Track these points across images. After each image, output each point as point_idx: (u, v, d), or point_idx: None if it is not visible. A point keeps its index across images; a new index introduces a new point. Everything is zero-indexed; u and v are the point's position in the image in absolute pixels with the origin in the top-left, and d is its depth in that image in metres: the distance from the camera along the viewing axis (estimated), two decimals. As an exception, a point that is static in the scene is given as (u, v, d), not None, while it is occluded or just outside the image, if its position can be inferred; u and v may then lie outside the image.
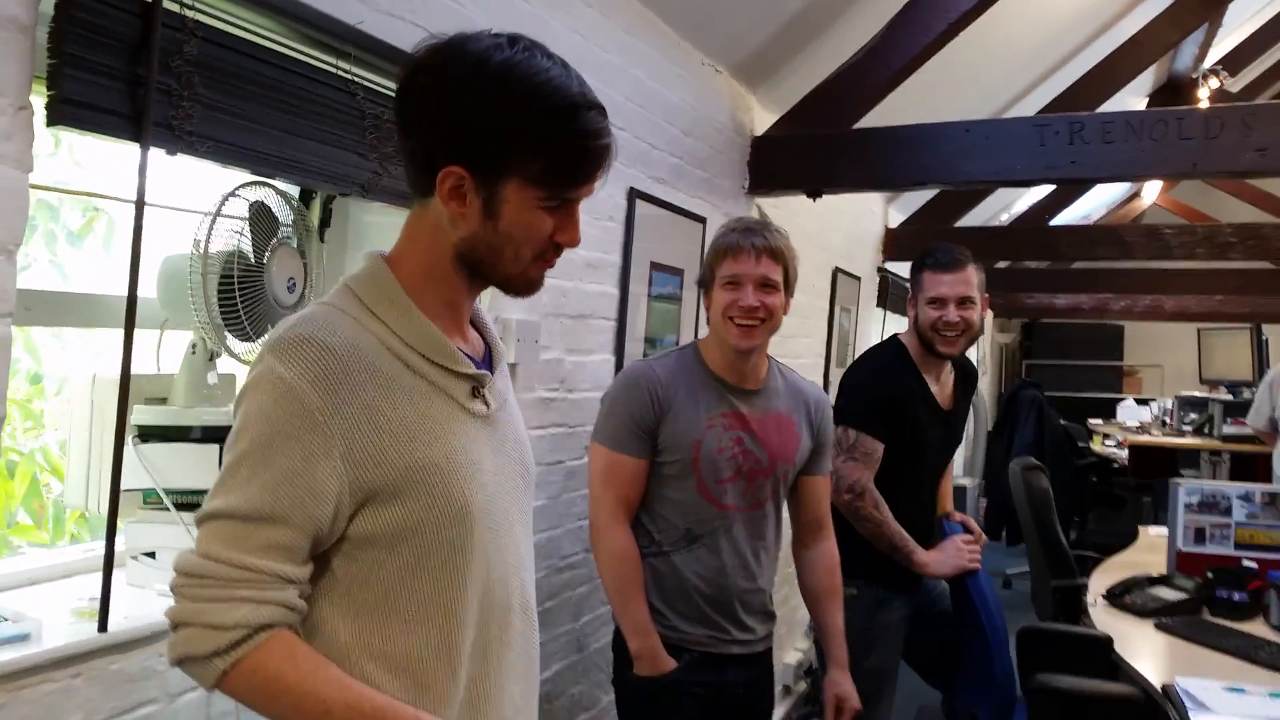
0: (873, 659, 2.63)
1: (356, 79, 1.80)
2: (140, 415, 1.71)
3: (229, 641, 1.00)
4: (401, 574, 1.10)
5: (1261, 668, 2.49)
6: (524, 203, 1.11)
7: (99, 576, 1.46)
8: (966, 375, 2.96)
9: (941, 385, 2.82)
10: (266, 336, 1.10)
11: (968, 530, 2.86)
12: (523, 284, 1.19)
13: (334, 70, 1.77)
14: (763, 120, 3.88)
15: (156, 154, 1.49)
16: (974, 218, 6.76)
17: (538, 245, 1.15)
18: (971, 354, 9.69)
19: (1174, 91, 7.14)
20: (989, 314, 10.45)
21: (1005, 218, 8.16)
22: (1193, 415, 6.60)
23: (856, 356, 4.13)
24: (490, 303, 2.25)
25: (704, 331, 3.37)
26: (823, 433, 2.28)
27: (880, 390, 2.73)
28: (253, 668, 1.02)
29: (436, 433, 1.11)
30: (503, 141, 1.09)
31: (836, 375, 5.08)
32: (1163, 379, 11.11)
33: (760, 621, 2.23)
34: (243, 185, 1.69)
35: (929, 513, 2.86)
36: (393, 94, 1.86)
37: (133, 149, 1.45)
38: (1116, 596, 3.09)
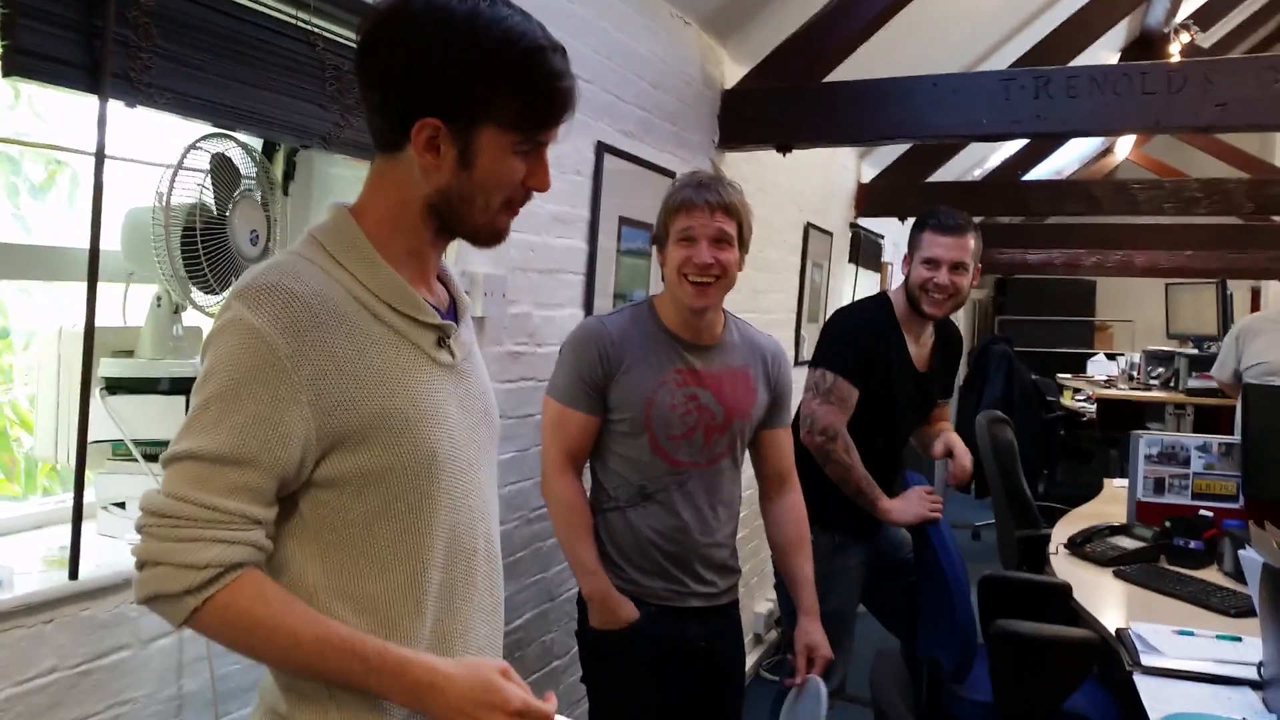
0: (830, 603, 2.65)
1: (316, 30, 1.80)
2: (107, 368, 1.72)
3: (201, 580, 1.03)
4: (369, 517, 1.13)
5: (1213, 612, 2.57)
6: (498, 149, 1.13)
7: (68, 527, 1.48)
8: (949, 342, 3.00)
9: (920, 346, 2.87)
10: (234, 284, 1.11)
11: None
12: (490, 234, 1.21)
13: (293, 21, 1.76)
14: (733, 73, 3.87)
15: (117, 106, 1.49)
16: (947, 173, 6.77)
17: (509, 192, 1.17)
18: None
19: (1146, 46, 7.14)
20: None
21: (978, 173, 8.18)
22: (1159, 369, 6.69)
23: (830, 312, 4.17)
24: (456, 257, 2.26)
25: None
26: (779, 385, 2.29)
27: (862, 339, 2.78)
28: (224, 604, 1.04)
29: (403, 380, 1.14)
30: (476, 89, 1.10)
31: (809, 331, 5.12)
32: (1134, 334, 11.21)
33: (721, 575, 2.24)
34: (204, 138, 1.69)
35: (892, 466, 2.90)
36: (353, 45, 1.87)
37: (92, 101, 1.45)
38: (1078, 546, 3.16)
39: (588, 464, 2.25)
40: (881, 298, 2.93)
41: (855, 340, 2.79)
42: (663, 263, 2.16)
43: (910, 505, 2.74)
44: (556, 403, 2.16)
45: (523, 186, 1.18)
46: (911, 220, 3.04)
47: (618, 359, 2.12)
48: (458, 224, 1.19)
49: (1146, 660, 2.16)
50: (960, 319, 11.34)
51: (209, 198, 1.70)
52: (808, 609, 2.32)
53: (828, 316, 3.52)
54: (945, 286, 2.71)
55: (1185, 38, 6.66)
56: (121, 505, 1.71)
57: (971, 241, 2.74)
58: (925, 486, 2.78)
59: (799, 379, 2.58)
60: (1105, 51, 7.03)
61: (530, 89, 1.12)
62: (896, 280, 3.49)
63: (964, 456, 2.94)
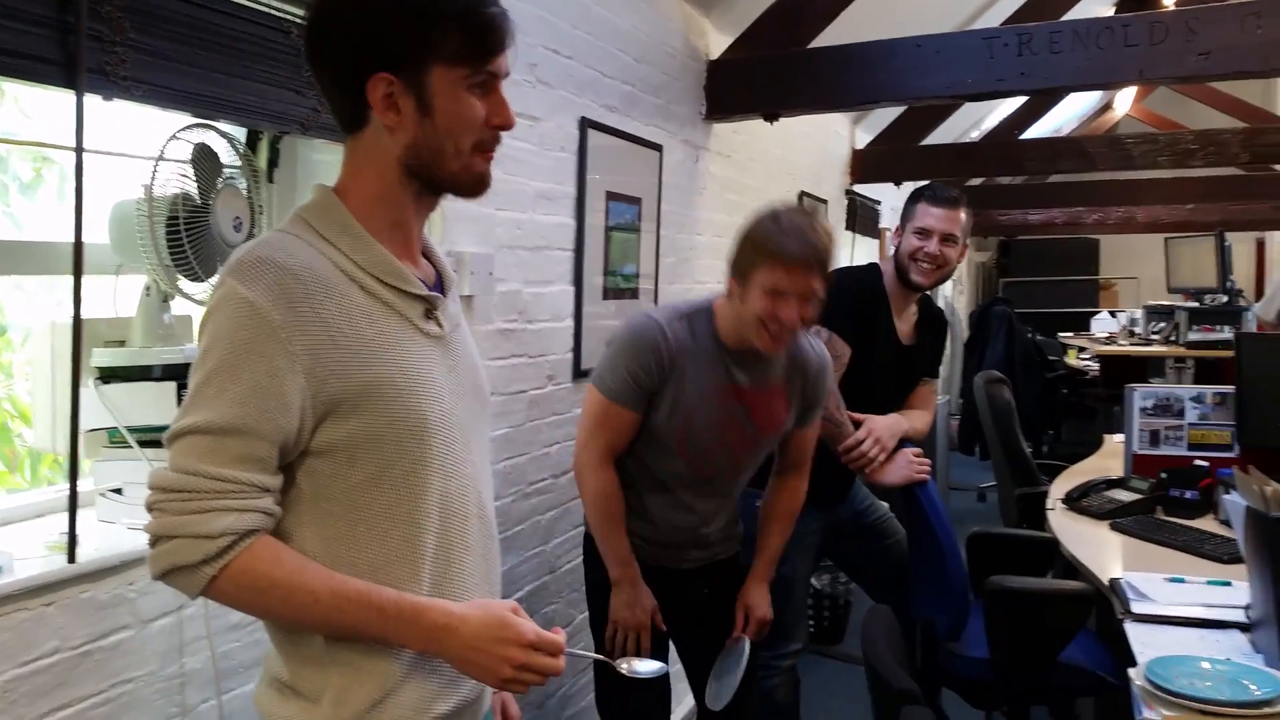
0: (783, 567, 2.70)
1: (289, 16, 1.82)
2: (101, 357, 1.76)
3: (217, 549, 1.06)
4: (364, 484, 1.16)
5: (1207, 560, 2.59)
6: (451, 88, 1.16)
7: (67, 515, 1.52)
8: (933, 321, 3.03)
9: (903, 320, 2.90)
10: (226, 263, 1.14)
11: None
12: (471, 179, 1.23)
13: (266, 9, 1.78)
14: (718, 43, 3.87)
15: (95, 101, 1.52)
16: (942, 135, 6.75)
17: (475, 133, 1.19)
18: (945, 285, 9.66)
19: (1139, -1, 7.09)
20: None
21: (975, 135, 8.15)
22: (1160, 324, 6.68)
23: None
24: (443, 236, 2.29)
25: (666, 262, 3.44)
26: (812, 396, 2.31)
27: (851, 299, 2.81)
28: (241, 569, 1.08)
29: (393, 349, 1.17)
30: (413, 30, 1.14)
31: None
32: (1139, 290, 11.18)
33: (722, 545, 2.36)
34: (184, 128, 1.71)
35: None
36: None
37: (69, 97, 1.48)
38: (1075, 500, 3.19)
39: None
40: (872, 267, 2.98)
41: (845, 298, 2.78)
42: (740, 295, 2.09)
43: (898, 468, 2.76)
44: (604, 398, 2.17)
45: (488, 127, 1.20)
46: (908, 185, 3.06)
47: (671, 369, 2.14)
48: (434, 176, 1.21)
49: (1137, 608, 2.19)
50: (964, 282, 11.34)
51: (191, 187, 1.73)
52: (757, 574, 2.40)
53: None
54: (935, 256, 2.76)
55: (1179, -13, 6.60)
56: (119, 491, 1.75)
57: (962, 216, 2.80)
58: (913, 449, 2.80)
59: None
60: (1098, 6, 6.98)
61: (465, 18, 1.15)
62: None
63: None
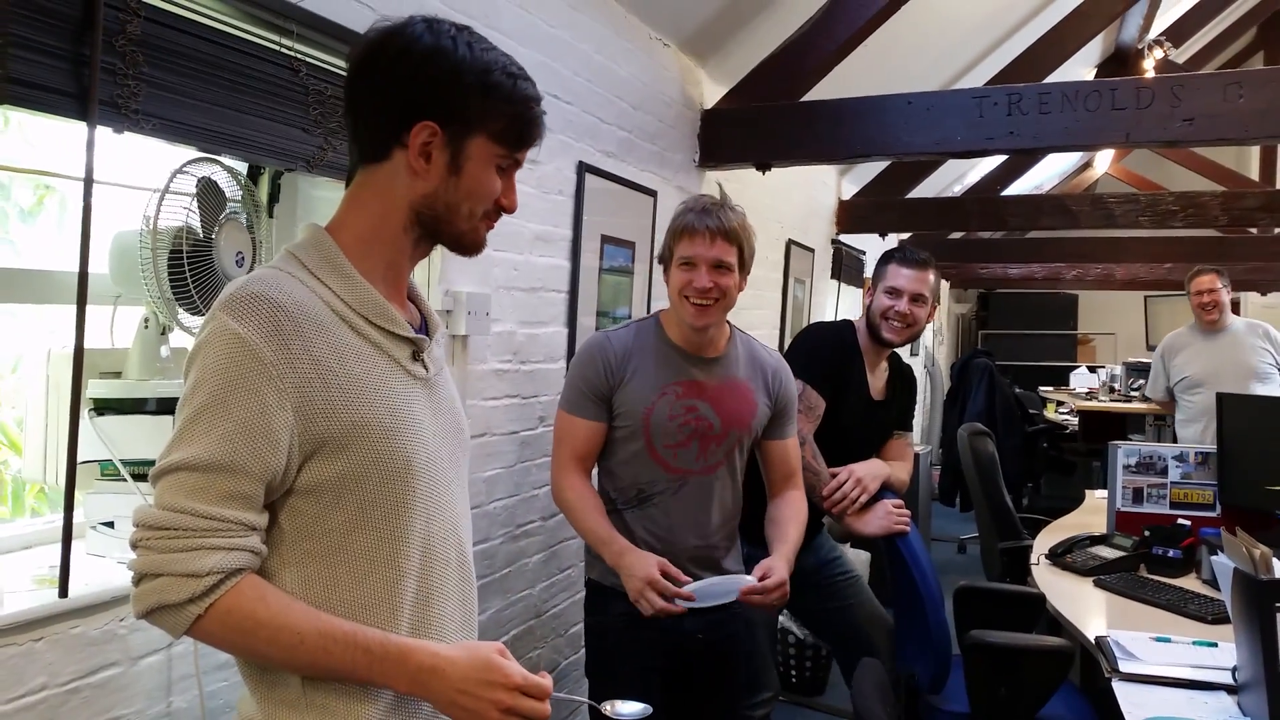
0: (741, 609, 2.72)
1: (299, 55, 1.83)
2: (96, 389, 1.74)
3: (204, 588, 1.04)
4: (346, 526, 1.15)
5: (1191, 619, 2.60)
6: (485, 160, 1.21)
7: (58, 547, 1.50)
8: (904, 377, 3.08)
9: (875, 375, 2.96)
10: (217, 298, 1.13)
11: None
12: (472, 241, 1.26)
13: (277, 47, 1.80)
14: (712, 93, 3.93)
15: (104, 132, 1.52)
16: (926, 189, 6.84)
17: (487, 204, 1.23)
18: (925, 336, 9.69)
19: (1120, 63, 7.25)
20: (944, 284, 10.60)
21: (958, 189, 8.26)
22: (1140, 381, 6.75)
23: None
24: (440, 275, 2.30)
25: (657, 304, 3.45)
26: (782, 398, 2.36)
27: (827, 352, 2.89)
28: (227, 609, 1.06)
29: (381, 390, 1.17)
30: (474, 98, 1.18)
31: (791, 346, 5.16)
32: (1116, 346, 11.32)
33: (717, 575, 2.28)
34: (190, 162, 1.72)
35: None
36: (336, 70, 1.91)
37: (80, 127, 1.48)
38: (1058, 556, 3.20)
39: (594, 470, 2.32)
40: (846, 323, 3.04)
41: (819, 351, 2.90)
42: (667, 281, 2.25)
43: (877, 518, 2.77)
44: (563, 412, 2.26)
45: (495, 203, 1.24)
46: (892, 236, 3.11)
47: (620, 369, 2.21)
48: (441, 230, 1.24)
49: (1125, 667, 2.19)
50: (944, 333, 11.43)
51: (195, 221, 1.73)
52: (779, 553, 2.27)
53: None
54: (905, 315, 2.83)
55: (1159, 54, 6.76)
56: (110, 524, 1.73)
57: (931, 277, 2.89)
58: (893, 500, 2.81)
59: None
60: (1081, 68, 7.13)
61: (516, 107, 1.21)
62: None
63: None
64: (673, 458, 2.22)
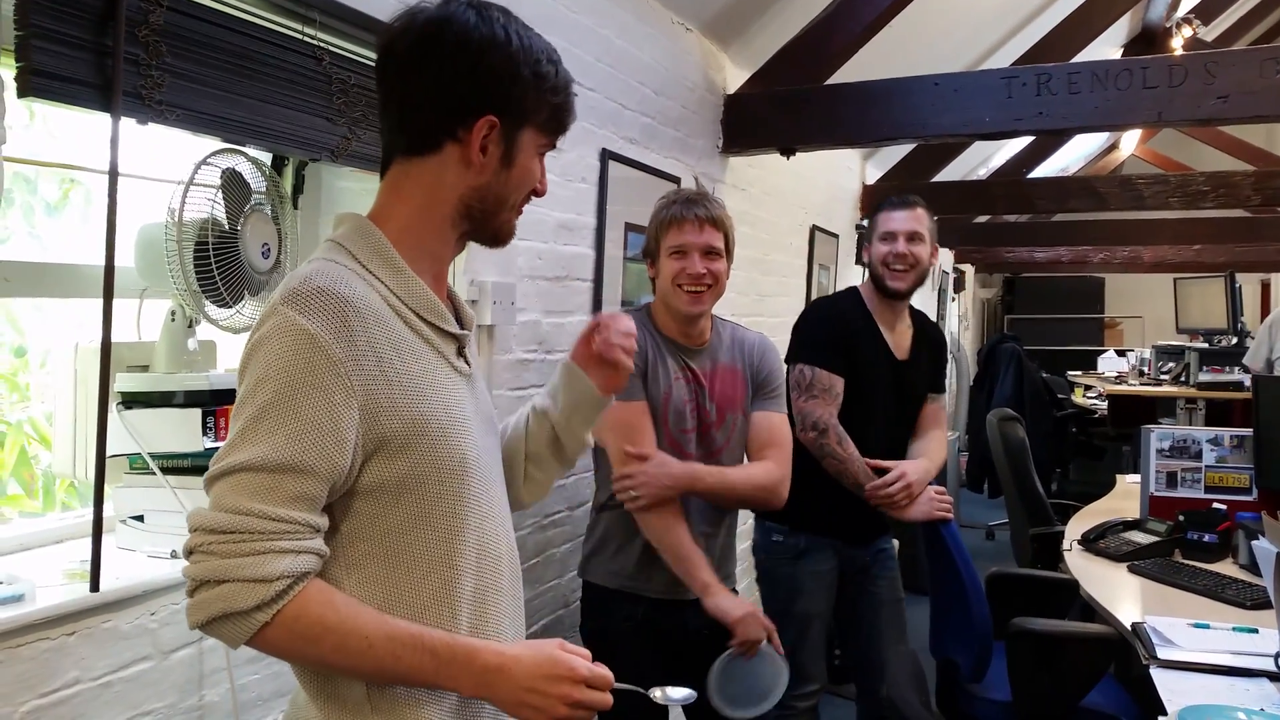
0: (799, 605, 2.73)
1: (323, 44, 1.82)
2: (123, 382, 1.74)
3: (274, 593, 1.01)
4: (403, 526, 1.13)
5: (1229, 605, 2.56)
6: (531, 150, 1.22)
7: (89, 541, 1.50)
8: (929, 336, 2.98)
9: (897, 334, 2.86)
10: (277, 291, 1.09)
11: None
12: (509, 233, 1.27)
13: (300, 37, 1.79)
14: (735, 78, 3.89)
15: (128, 124, 1.51)
16: (951, 172, 6.78)
17: (526, 193, 1.24)
18: (953, 310, 9.58)
19: (1148, 42, 7.15)
20: (969, 269, 10.53)
21: (983, 172, 8.18)
22: (1170, 364, 6.67)
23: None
24: (465, 265, 2.28)
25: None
26: (760, 371, 2.37)
27: (831, 326, 2.82)
28: (295, 615, 1.03)
29: (436, 387, 1.15)
30: (532, 90, 1.18)
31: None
32: (1144, 330, 11.19)
33: (718, 566, 2.29)
34: (214, 153, 1.71)
35: (879, 455, 2.77)
36: (360, 59, 1.90)
37: (104, 119, 1.47)
38: (1091, 542, 3.16)
39: (594, 467, 2.32)
40: (850, 290, 2.97)
41: (821, 328, 2.83)
42: (655, 274, 2.28)
43: (920, 505, 2.73)
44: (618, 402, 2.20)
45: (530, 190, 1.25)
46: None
47: (644, 349, 2.21)
48: (488, 221, 1.23)
49: (1163, 654, 2.16)
50: (970, 318, 11.35)
51: (220, 212, 1.72)
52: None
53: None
54: (905, 255, 2.75)
55: (1187, 32, 6.67)
56: (140, 518, 1.73)
57: (923, 215, 2.80)
58: (936, 486, 2.77)
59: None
60: (1107, 48, 7.03)
61: (560, 96, 1.22)
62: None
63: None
64: (686, 444, 2.25)
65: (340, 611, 1.06)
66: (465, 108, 1.15)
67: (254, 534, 1.02)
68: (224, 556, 1.01)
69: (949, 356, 3.06)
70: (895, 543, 2.99)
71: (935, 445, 2.88)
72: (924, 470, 2.73)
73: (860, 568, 2.86)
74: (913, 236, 2.76)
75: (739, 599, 2.16)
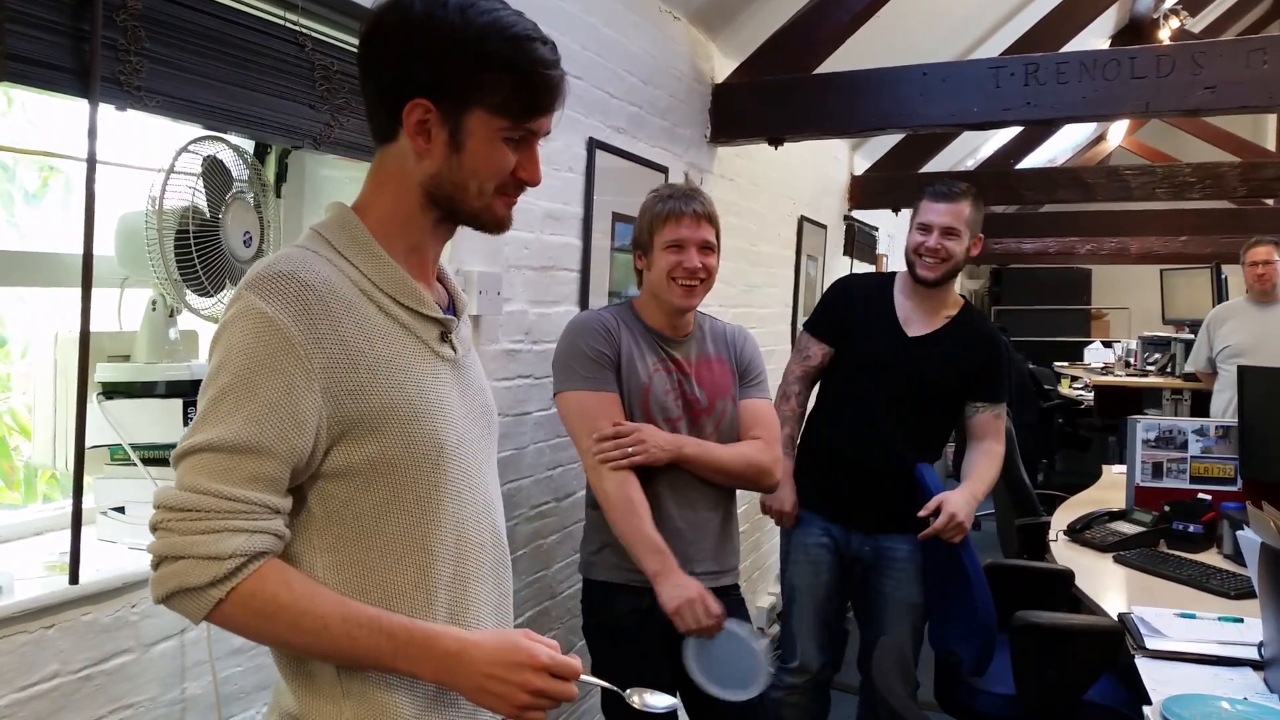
0: (786, 574, 2.87)
1: (305, 30, 1.80)
2: (104, 373, 1.72)
3: (226, 570, 1.02)
4: (377, 510, 1.13)
5: (1213, 595, 2.57)
6: (488, 134, 1.15)
7: (69, 533, 1.48)
8: (970, 329, 2.85)
9: (917, 315, 2.83)
10: (242, 278, 1.11)
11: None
12: (491, 220, 1.21)
13: (282, 22, 1.76)
14: (723, 67, 3.87)
15: (107, 110, 1.49)
16: (940, 163, 6.78)
17: (499, 179, 1.18)
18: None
19: (1136, 32, 7.15)
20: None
21: (971, 163, 8.18)
22: (1156, 355, 6.69)
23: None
24: (451, 255, 2.27)
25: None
26: (742, 360, 2.40)
27: (830, 295, 2.99)
28: (249, 593, 1.04)
29: (410, 371, 1.14)
30: (466, 70, 1.12)
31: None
32: (1130, 321, 11.23)
33: (715, 558, 2.30)
34: (195, 140, 1.69)
35: (883, 444, 2.77)
36: (342, 45, 1.88)
37: (82, 107, 1.45)
38: (1077, 532, 3.17)
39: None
40: (886, 274, 3.05)
41: (823, 299, 3.02)
42: (646, 267, 2.28)
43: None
44: (577, 392, 2.20)
45: (513, 177, 1.19)
46: (905, 212, 3.08)
47: (616, 339, 2.24)
48: (455, 209, 1.20)
49: (1150, 643, 2.17)
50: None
51: (201, 200, 1.70)
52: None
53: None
54: (936, 249, 2.75)
55: (1175, 23, 6.67)
56: (120, 510, 1.71)
57: (965, 209, 2.77)
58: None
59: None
60: (1096, 38, 7.04)
61: (518, 74, 1.14)
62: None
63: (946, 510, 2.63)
64: (677, 432, 2.25)
65: (295, 590, 1.07)
66: (397, 94, 1.13)
67: (209, 513, 1.03)
68: (181, 534, 1.03)
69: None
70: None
71: (983, 464, 2.80)
72: (969, 500, 2.64)
73: (863, 559, 2.85)
74: (948, 231, 2.75)
75: (687, 583, 2.10)
